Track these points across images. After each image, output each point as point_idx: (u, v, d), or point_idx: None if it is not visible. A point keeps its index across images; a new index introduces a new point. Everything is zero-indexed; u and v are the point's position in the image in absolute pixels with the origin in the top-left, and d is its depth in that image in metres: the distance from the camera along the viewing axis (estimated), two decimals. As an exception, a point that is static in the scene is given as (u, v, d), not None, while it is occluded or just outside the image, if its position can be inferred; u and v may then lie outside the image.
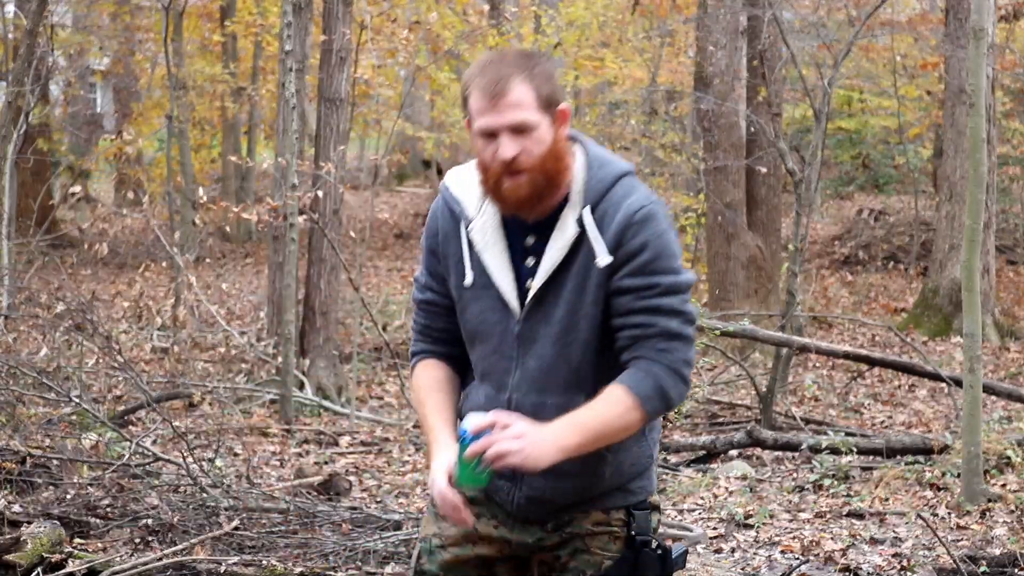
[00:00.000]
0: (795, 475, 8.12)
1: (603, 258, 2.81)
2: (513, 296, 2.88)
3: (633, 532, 2.89)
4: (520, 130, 2.78)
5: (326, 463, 8.53)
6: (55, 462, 7.17)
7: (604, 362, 2.87)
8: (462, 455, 2.74)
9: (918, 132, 20.14)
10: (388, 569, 5.86)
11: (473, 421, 2.71)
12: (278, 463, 8.54)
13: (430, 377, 3.03)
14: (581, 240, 2.82)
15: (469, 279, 2.91)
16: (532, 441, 2.70)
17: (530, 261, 2.87)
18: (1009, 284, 16.80)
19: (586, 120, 18.95)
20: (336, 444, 9.29)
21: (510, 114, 2.78)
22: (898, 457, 8.20)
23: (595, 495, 2.92)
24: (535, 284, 2.86)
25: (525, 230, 2.88)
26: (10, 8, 16.97)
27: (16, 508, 6.31)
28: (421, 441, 9.18)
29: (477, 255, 2.90)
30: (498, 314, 2.89)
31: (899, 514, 6.99)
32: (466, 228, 2.92)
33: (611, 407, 2.78)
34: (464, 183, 2.96)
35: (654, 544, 2.90)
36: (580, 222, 2.83)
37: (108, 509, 6.52)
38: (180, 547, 5.85)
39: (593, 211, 2.84)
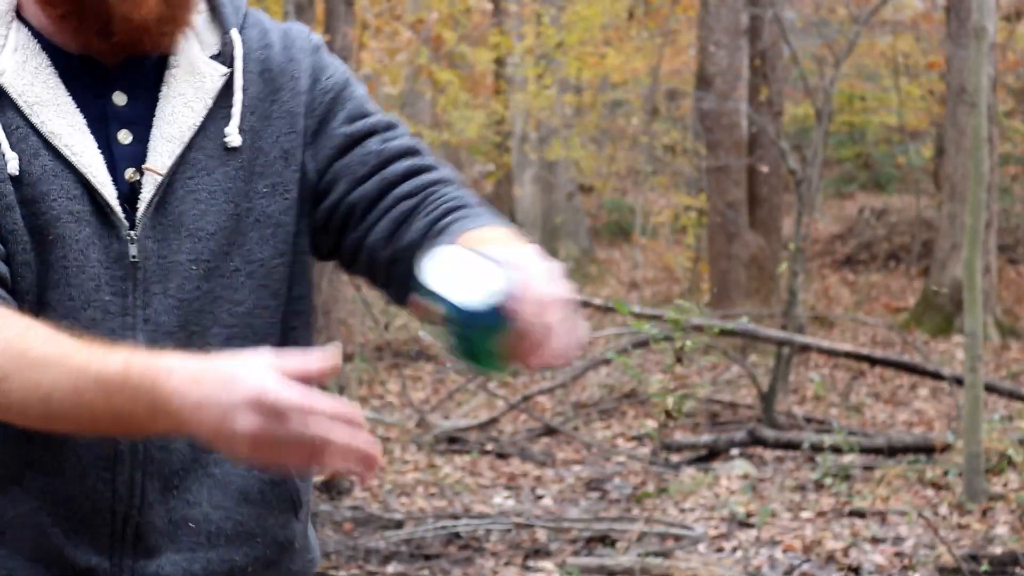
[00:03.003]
0: (796, 474, 8.12)
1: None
2: (113, 194, 1.56)
3: None
4: None
5: (328, 462, 8.52)
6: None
7: (302, 298, 1.65)
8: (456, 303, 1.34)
9: (917, 126, 20.15)
10: (390, 568, 5.86)
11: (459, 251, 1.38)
12: (280, 462, 8.53)
13: (18, 320, 1.46)
14: (229, 87, 1.62)
15: (13, 165, 1.53)
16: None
17: (124, 135, 1.58)
18: (1010, 283, 16.80)
19: (587, 119, 18.96)
20: (338, 443, 9.28)
21: None
22: (899, 456, 8.20)
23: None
24: (153, 171, 1.57)
25: (104, 82, 1.59)
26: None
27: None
28: (423, 440, 9.16)
29: (23, 120, 1.56)
30: (86, 228, 1.55)
31: (900, 513, 6.99)
32: None
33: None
34: None
35: None
36: (227, 59, 1.63)
37: (110, 508, 6.52)
38: (182, 546, 5.84)
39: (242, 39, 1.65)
